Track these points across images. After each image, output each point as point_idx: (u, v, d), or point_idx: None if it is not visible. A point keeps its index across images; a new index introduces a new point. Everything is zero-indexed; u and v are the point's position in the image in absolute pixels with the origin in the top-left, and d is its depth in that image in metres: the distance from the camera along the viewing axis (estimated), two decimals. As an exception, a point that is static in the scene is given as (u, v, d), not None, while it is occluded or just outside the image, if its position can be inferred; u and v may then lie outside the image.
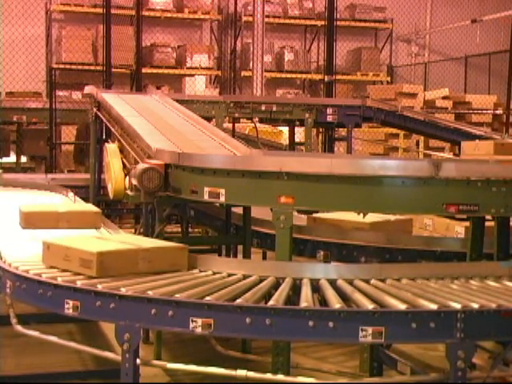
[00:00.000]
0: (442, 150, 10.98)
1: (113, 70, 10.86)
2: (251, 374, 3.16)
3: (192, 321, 3.03)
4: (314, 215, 5.48)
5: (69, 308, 3.26)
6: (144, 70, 12.88)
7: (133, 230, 7.90)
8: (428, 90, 13.98)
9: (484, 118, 12.20)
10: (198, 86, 15.70)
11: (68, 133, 12.09)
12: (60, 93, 11.95)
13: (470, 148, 7.01)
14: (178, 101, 6.93)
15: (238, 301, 3.08)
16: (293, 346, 3.80)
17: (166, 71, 16.44)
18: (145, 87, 13.71)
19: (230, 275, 3.63)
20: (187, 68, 16.55)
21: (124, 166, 5.12)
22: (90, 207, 5.26)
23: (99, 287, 3.23)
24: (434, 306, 3.03)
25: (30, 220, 4.76)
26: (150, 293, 3.14)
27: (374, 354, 4.23)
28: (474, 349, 3.06)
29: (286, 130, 10.39)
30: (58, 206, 5.16)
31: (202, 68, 16.65)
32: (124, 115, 5.81)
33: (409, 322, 2.96)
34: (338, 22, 10.96)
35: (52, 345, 3.62)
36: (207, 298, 3.09)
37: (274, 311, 2.99)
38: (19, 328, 3.70)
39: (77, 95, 12.33)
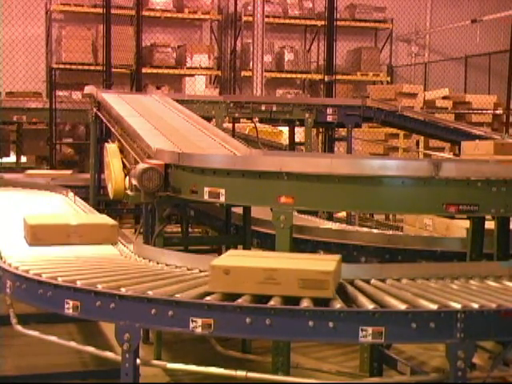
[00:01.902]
0: (442, 150, 10.99)
1: (113, 70, 10.88)
2: (251, 374, 3.15)
3: (192, 321, 3.03)
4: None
5: (69, 308, 3.25)
6: (144, 70, 12.88)
7: (133, 230, 7.90)
8: (428, 90, 13.98)
9: (484, 117, 12.20)
10: (198, 85, 15.71)
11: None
12: (60, 93, 11.97)
13: (470, 148, 7.02)
14: (178, 101, 6.94)
15: (238, 301, 3.08)
16: (293, 346, 3.80)
17: (166, 71, 16.45)
18: (145, 87, 13.75)
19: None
20: (187, 68, 16.56)
21: (124, 165, 5.13)
22: (106, 219, 4.67)
23: (99, 287, 3.23)
24: (433, 306, 3.03)
25: (38, 234, 4.27)
26: (150, 293, 3.14)
27: (373, 354, 4.22)
28: (474, 349, 3.06)
29: (286, 130, 10.39)
30: (69, 218, 4.61)
31: (202, 68, 16.66)
32: (124, 115, 5.82)
33: (409, 321, 2.96)
34: (338, 22, 10.96)
35: (52, 345, 3.62)
36: (207, 298, 3.09)
37: (274, 311, 2.99)
38: (19, 328, 3.70)
39: (77, 95, 12.34)
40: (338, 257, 3.46)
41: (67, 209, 5.77)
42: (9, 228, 4.81)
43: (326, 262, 3.27)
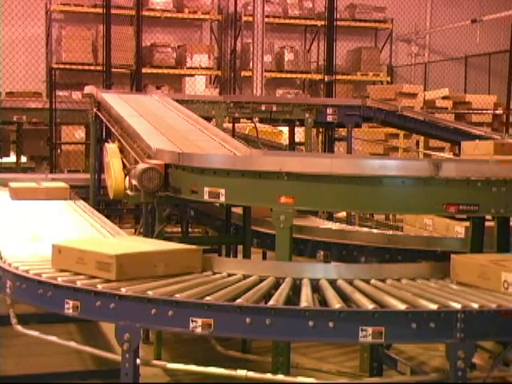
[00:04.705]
0: (442, 150, 10.99)
1: (113, 70, 10.86)
2: (251, 374, 3.16)
3: (192, 321, 3.03)
4: None
5: (69, 308, 3.25)
6: (144, 70, 12.88)
7: (133, 230, 7.90)
8: (428, 90, 13.99)
9: (484, 117, 12.21)
10: (198, 85, 15.71)
11: (68, 133, 12.11)
12: (60, 93, 11.95)
13: (470, 148, 7.01)
14: (177, 101, 6.93)
15: (238, 301, 3.08)
16: (293, 346, 3.80)
17: (166, 71, 16.44)
18: (145, 87, 13.74)
19: (229, 275, 3.63)
20: (187, 68, 16.55)
21: (124, 165, 5.12)
22: (180, 244, 3.89)
23: (99, 287, 3.23)
24: (433, 306, 3.03)
25: (125, 267, 3.36)
26: (150, 293, 3.14)
27: (373, 354, 4.22)
28: (473, 349, 3.06)
29: (286, 130, 10.39)
30: (144, 244, 3.77)
31: (202, 68, 16.65)
32: (124, 115, 5.82)
33: (409, 322, 2.96)
34: (338, 22, 10.95)
35: (52, 345, 3.62)
36: (207, 298, 3.09)
37: (274, 311, 2.99)
38: (19, 328, 3.69)
39: (77, 95, 12.33)
40: None
41: (70, 211, 5.75)
42: (16, 240, 4.36)
43: None
